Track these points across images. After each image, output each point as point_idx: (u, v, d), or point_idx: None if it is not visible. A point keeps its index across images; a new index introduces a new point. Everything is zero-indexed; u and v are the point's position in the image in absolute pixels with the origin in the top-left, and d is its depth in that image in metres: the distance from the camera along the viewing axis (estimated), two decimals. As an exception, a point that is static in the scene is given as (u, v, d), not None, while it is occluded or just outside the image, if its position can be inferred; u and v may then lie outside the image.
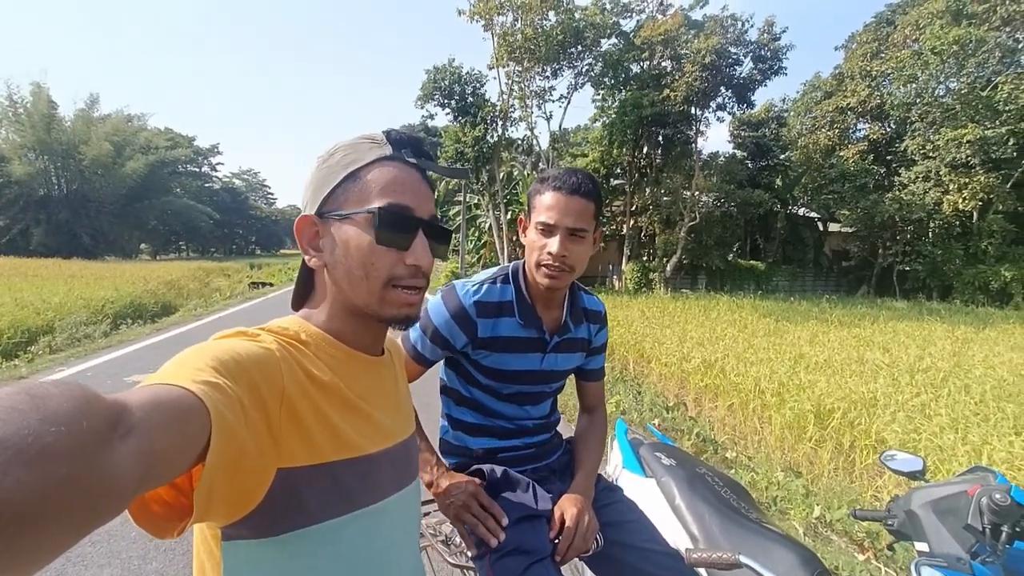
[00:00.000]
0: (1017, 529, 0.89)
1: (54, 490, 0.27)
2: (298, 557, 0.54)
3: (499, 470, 1.13)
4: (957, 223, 16.73)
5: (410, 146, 0.64)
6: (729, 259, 19.79)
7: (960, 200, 15.82)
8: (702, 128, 17.62)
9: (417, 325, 1.10)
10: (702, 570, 1.08)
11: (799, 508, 2.69)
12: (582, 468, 1.18)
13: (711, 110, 17.31)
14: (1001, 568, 0.92)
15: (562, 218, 1.02)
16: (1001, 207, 15.89)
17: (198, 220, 41.77)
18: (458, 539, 1.19)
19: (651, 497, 1.38)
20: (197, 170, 51.55)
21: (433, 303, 1.12)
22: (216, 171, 55.87)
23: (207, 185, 52.42)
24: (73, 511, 0.29)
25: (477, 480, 1.07)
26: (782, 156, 21.45)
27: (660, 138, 18.14)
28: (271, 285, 18.13)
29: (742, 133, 21.02)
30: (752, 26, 16.29)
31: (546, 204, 1.04)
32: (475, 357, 1.13)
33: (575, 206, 1.02)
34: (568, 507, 1.04)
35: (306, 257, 0.63)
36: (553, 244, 1.03)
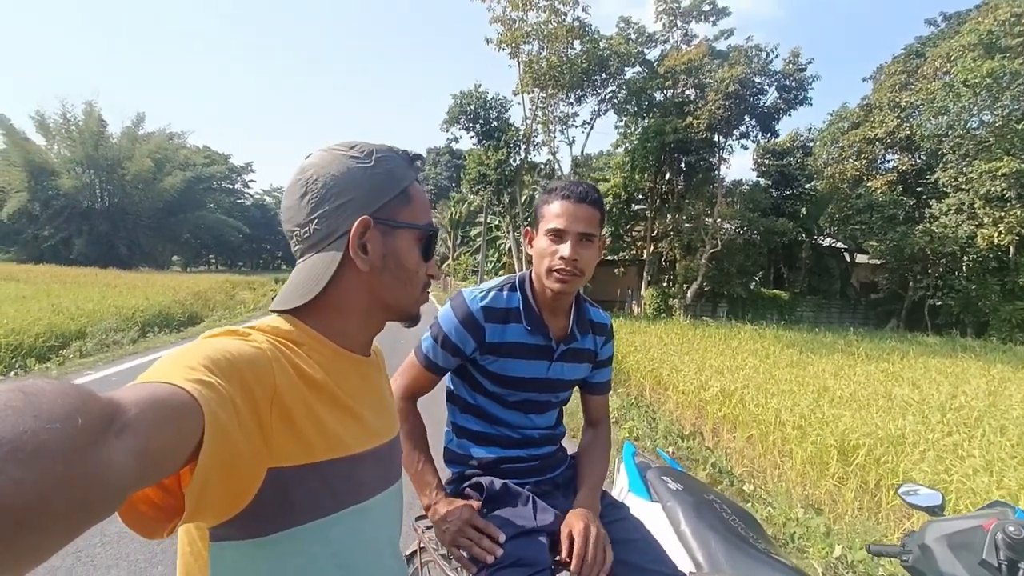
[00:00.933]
0: None
1: (51, 488, 0.27)
2: (286, 557, 0.54)
3: (499, 483, 1.13)
4: (992, 257, 16.14)
5: (415, 164, 0.71)
6: (752, 288, 19.42)
7: (995, 234, 15.30)
8: (725, 156, 17.64)
9: (428, 335, 1.15)
10: None
11: (818, 547, 2.57)
12: (586, 483, 1.17)
13: (735, 138, 17.33)
14: None
15: (572, 224, 1.07)
16: (1040, 242, 15.33)
17: (229, 235, 43.12)
18: (475, 566, 1.18)
19: (656, 522, 1.34)
20: (231, 186, 53.54)
21: (443, 311, 1.15)
22: (248, 188, 57.99)
23: (239, 201, 54.26)
24: (70, 509, 0.29)
25: (474, 504, 1.06)
26: (807, 185, 21.17)
27: (682, 165, 18.17)
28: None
29: (766, 161, 20.89)
30: (777, 56, 16.39)
31: (555, 212, 1.09)
32: (482, 362, 1.14)
33: (583, 213, 1.07)
34: (574, 523, 1.03)
35: (358, 260, 0.62)
36: (565, 249, 1.06)
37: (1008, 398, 5.87)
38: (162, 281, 17.01)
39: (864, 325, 19.01)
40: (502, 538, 0.99)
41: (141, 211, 33.77)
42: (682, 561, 1.21)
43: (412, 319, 0.72)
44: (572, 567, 0.98)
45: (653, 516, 1.37)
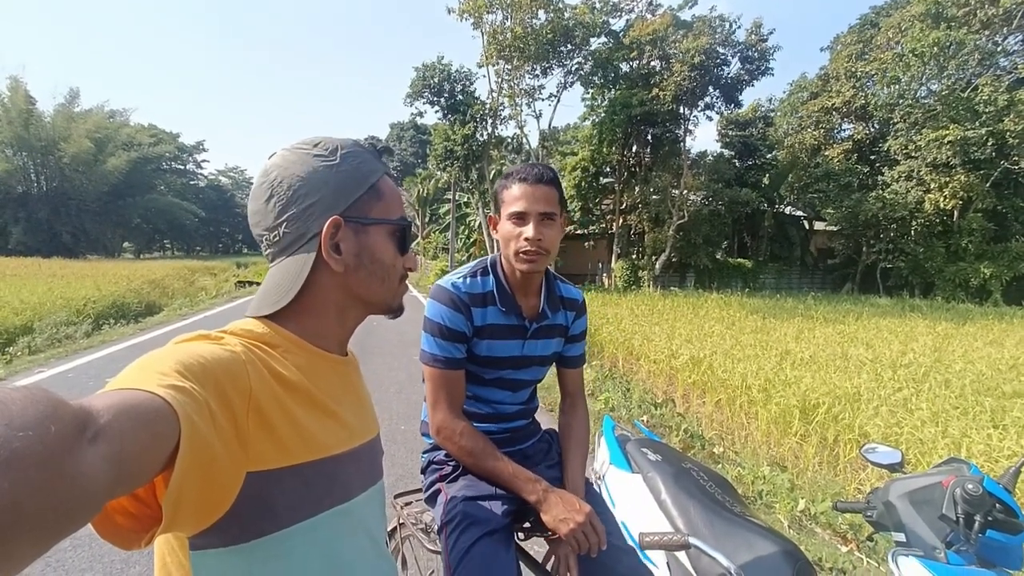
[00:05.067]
0: (989, 518, 0.92)
1: (27, 496, 0.27)
2: (270, 562, 0.54)
3: None
4: (938, 221, 17.07)
5: (384, 157, 0.71)
6: (717, 257, 19.97)
7: (941, 199, 16.14)
8: (690, 127, 17.82)
9: (426, 338, 1.16)
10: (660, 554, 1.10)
11: (784, 502, 2.73)
12: (571, 464, 1.21)
13: (699, 109, 17.47)
14: (975, 556, 0.95)
15: (532, 205, 1.11)
16: (980, 206, 16.26)
17: (183, 218, 41.14)
18: (437, 527, 1.21)
19: (638, 492, 1.39)
20: (182, 167, 50.69)
21: (430, 306, 1.17)
22: (201, 168, 55.07)
23: (192, 182, 51.62)
24: (46, 517, 0.28)
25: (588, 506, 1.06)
26: (769, 155, 21.70)
27: (649, 137, 18.26)
28: (258, 284, 17.90)
29: (730, 132, 21.23)
30: (740, 27, 16.47)
31: (515, 195, 1.12)
32: (470, 344, 1.18)
33: (541, 193, 1.11)
34: (567, 513, 1.03)
35: (332, 261, 0.61)
36: (528, 230, 1.10)
37: (951, 353, 6.31)
38: (114, 269, 16.13)
39: (822, 289, 19.94)
40: (605, 545, 1.01)
41: (84, 195, 31.71)
42: (664, 527, 1.26)
43: (394, 311, 0.72)
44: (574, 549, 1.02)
45: (635, 487, 1.42)
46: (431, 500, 1.20)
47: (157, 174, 41.75)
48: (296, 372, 0.58)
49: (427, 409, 1.18)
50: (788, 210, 22.65)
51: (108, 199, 33.51)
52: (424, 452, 1.29)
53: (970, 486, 0.92)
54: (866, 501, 1.16)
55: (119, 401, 0.37)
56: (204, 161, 55.68)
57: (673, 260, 18.24)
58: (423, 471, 1.27)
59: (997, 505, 0.93)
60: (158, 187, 40.83)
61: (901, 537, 1.04)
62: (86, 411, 0.33)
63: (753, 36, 16.52)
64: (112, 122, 36.35)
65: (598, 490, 1.36)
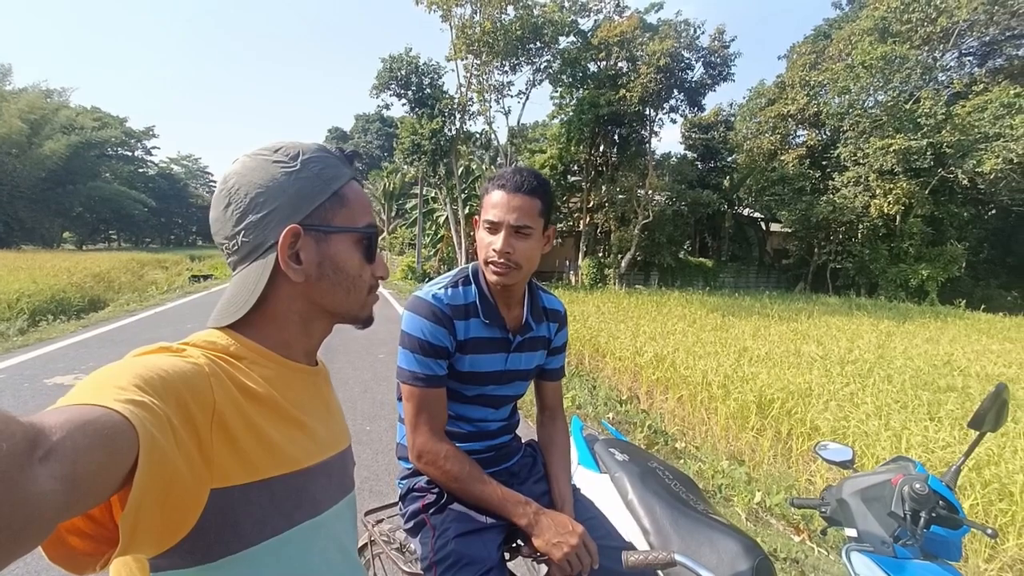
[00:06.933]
0: (934, 515, 0.98)
1: None
2: None
3: None
4: (882, 225, 18.12)
5: (354, 162, 0.68)
6: (680, 256, 20.54)
7: (885, 204, 17.15)
8: (656, 129, 18.16)
9: (404, 354, 1.08)
10: None
11: (742, 495, 2.84)
12: (558, 479, 1.20)
13: (664, 111, 17.84)
14: (920, 550, 1.01)
15: (505, 215, 1.04)
16: (920, 211, 17.37)
17: (131, 208, 38.76)
18: (412, 546, 1.17)
19: (605, 492, 1.41)
20: (130, 154, 47.68)
21: (408, 319, 1.08)
22: (151, 155, 52.04)
23: (141, 170, 48.66)
24: None
25: (580, 527, 1.02)
26: (729, 158, 22.44)
27: (616, 137, 18.54)
28: (214, 278, 17.16)
29: (693, 135, 21.81)
30: (704, 32, 16.94)
31: (492, 202, 1.06)
32: (451, 360, 1.11)
33: (517, 203, 1.04)
34: (562, 537, 1.00)
35: (290, 272, 0.59)
36: (497, 241, 1.05)
37: (893, 350, 6.73)
38: (52, 261, 15.06)
39: (777, 288, 20.83)
40: (596, 565, 0.99)
41: (18, 181, 29.34)
42: (630, 528, 1.28)
43: (363, 322, 0.70)
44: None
45: (602, 487, 1.44)
46: (414, 532, 1.13)
47: (101, 160, 39.09)
48: (263, 384, 0.56)
49: (405, 431, 1.10)
50: (747, 212, 23.51)
51: (46, 186, 31.15)
52: (402, 478, 1.21)
53: (917, 485, 0.98)
54: (821, 498, 1.22)
55: (73, 417, 0.35)
56: (155, 148, 52.61)
57: (638, 259, 18.63)
58: (402, 498, 1.20)
59: (940, 502, 1.00)
60: (103, 174, 38.25)
61: (853, 532, 1.09)
62: (36, 428, 0.32)
63: (716, 42, 17.03)
64: (49, 102, 33.78)
65: None
